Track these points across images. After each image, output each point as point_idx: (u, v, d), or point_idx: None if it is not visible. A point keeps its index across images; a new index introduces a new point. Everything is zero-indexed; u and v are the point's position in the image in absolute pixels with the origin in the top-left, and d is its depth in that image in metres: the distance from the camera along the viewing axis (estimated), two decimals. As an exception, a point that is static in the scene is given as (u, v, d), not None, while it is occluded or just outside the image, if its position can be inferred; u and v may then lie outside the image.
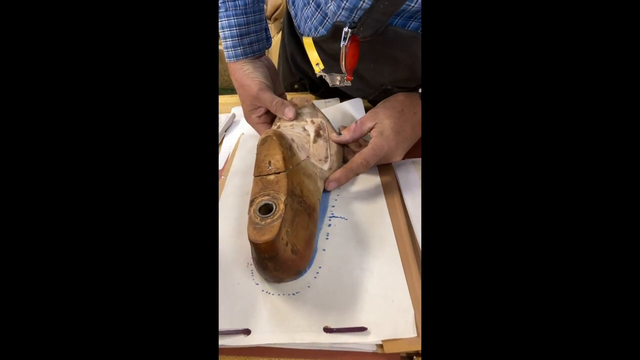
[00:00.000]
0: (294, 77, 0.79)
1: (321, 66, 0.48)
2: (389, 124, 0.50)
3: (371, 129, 0.51)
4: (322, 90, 0.76)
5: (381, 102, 0.54)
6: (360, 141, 0.55)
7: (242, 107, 0.59)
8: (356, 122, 0.53)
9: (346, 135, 0.53)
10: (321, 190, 0.48)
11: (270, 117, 0.59)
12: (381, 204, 0.48)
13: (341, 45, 0.41)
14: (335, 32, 0.48)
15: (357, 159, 0.49)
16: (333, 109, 0.68)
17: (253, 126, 0.59)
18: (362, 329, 0.34)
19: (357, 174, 0.51)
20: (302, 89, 0.80)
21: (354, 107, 0.67)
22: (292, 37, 0.71)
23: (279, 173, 0.39)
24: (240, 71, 0.56)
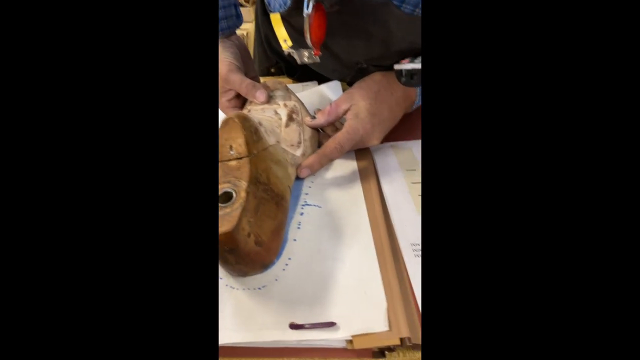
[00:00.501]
0: (270, 61, 0.76)
1: (289, 42, 0.45)
2: (365, 105, 0.47)
3: (347, 111, 0.48)
4: (299, 74, 0.72)
5: (357, 83, 0.51)
6: (337, 124, 0.52)
7: None
8: (331, 104, 0.50)
9: (320, 119, 0.50)
10: (293, 177, 0.45)
11: (241, 101, 0.56)
12: (357, 190, 0.45)
13: (304, 15, 0.38)
14: (299, 1, 0.44)
15: (330, 144, 0.47)
16: (310, 93, 0.65)
17: (223, 111, 0.56)
18: (331, 324, 0.31)
19: (332, 160, 0.48)
20: (278, 72, 0.77)
21: (331, 90, 0.64)
22: (266, 16, 0.68)
23: (241, 158, 0.36)
24: None
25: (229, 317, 0.33)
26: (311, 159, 0.47)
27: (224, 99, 0.54)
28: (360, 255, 0.37)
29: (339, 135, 0.47)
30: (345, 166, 0.50)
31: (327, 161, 0.48)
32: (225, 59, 0.52)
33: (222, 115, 0.59)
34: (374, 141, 0.49)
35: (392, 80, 0.50)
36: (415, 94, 0.52)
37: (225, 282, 0.36)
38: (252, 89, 0.51)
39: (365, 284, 0.35)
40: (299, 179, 0.47)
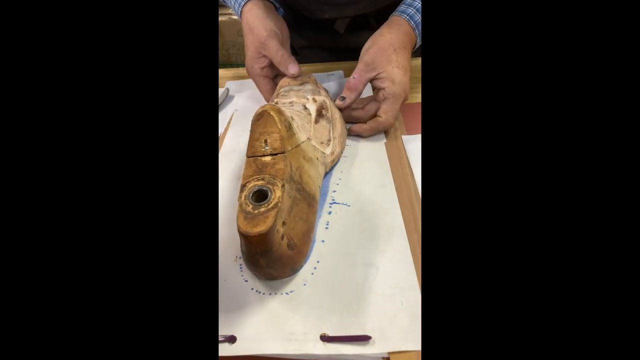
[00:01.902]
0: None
1: None
2: (393, 68, 0.47)
3: (372, 79, 0.48)
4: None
5: (365, 50, 0.49)
6: (366, 107, 0.51)
7: (246, 54, 0.54)
8: (350, 79, 0.49)
9: (351, 95, 0.49)
10: (322, 176, 0.43)
11: (273, 72, 0.54)
12: (389, 188, 0.43)
13: None
14: None
15: (383, 118, 0.48)
16: (335, 83, 0.62)
17: (253, 78, 0.54)
18: (366, 338, 0.29)
19: (385, 130, 0.50)
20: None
21: None
22: None
23: (276, 154, 0.34)
24: (251, 13, 0.52)
25: (253, 325, 0.31)
26: (364, 127, 0.49)
27: (257, 66, 0.53)
28: (395, 261, 0.35)
29: (386, 107, 0.47)
30: (375, 161, 0.47)
31: (381, 130, 0.50)
32: (268, 24, 0.51)
33: (247, 108, 0.57)
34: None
35: (393, 29, 0.49)
36: (415, 35, 0.51)
37: (252, 286, 0.34)
38: (287, 60, 0.50)
39: (401, 293, 0.32)
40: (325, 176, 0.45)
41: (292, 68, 0.50)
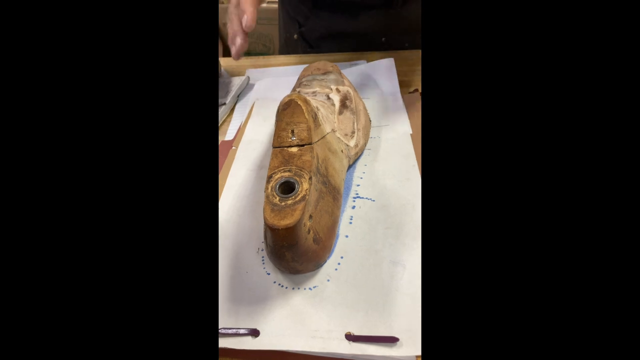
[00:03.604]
0: (294, 26, 0.72)
1: None
2: None
3: None
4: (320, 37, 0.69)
5: None
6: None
7: None
8: None
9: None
10: (346, 170, 0.41)
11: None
12: (416, 182, 0.41)
13: None
14: None
15: None
16: (357, 72, 0.60)
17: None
18: (393, 340, 0.28)
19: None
20: (301, 39, 0.73)
21: (384, 68, 0.59)
22: None
23: (303, 145, 0.33)
24: None
25: (277, 320, 0.30)
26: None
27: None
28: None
29: None
30: (401, 153, 0.45)
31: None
32: None
33: (268, 97, 0.55)
34: None
35: None
36: None
37: (274, 279, 0.33)
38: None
39: (429, 296, 0.31)
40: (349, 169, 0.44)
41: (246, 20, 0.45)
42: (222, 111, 0.56)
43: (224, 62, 0.70)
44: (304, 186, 0.30)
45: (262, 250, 0.35)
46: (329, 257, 0.34)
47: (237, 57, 0.48)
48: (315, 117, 0.36)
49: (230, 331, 0.30)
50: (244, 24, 0.45)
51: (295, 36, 0.73)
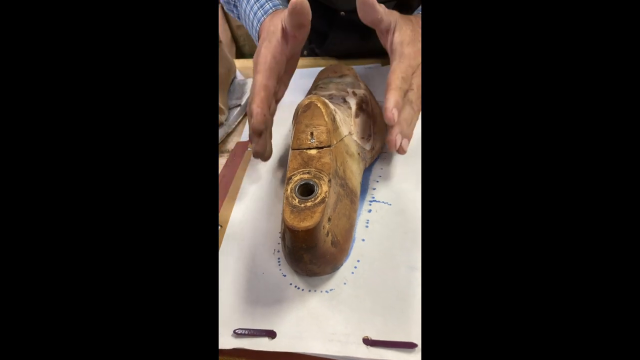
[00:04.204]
0: (308, 46, 0.72)
1: None
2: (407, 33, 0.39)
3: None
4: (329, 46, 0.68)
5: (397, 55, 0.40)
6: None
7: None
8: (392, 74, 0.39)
9: (394, 97, 0.36)
10: (362, 172, 0.41)
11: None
12: None
13: None
14: None
15: (395, 76, 0.37)
16: (373, 78, 0.60)
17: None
18: (412, 345, 0.28)
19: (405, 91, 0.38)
20: (311, 54, 0.73)
21: None
22: None
23: (322, 148, 0.33)
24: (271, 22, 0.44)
25: (293, 321, 0.30)
26: (393, 98, 0.36)
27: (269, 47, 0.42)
28: (439, 268, 0.34)
29: (399, 66, 0.38)
30: (417, 157, 0.44)
31: (405, 89, 0.37)
32: (274, 47, 0.41)
33: (283, 99, 0.55)
34: None
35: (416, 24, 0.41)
36: None
37: (290, 281, 0.33)
38: (255, 97, 0.39)
39: (446, 302, 0.31)
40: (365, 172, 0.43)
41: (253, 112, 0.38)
42: (238, 112, 0.57)
43: (238, 63, 0.70)
44: (323, 188, 0.30)
45: (279, 251, 0.35)
46: (345, 260, 0.34)
47: (264, 159, 0.42)
48: (334, 120, 0.36)
49: (246, 332, 0.29)
50: (250, 125, 0.39)
51: (305, 52, 0.73)
